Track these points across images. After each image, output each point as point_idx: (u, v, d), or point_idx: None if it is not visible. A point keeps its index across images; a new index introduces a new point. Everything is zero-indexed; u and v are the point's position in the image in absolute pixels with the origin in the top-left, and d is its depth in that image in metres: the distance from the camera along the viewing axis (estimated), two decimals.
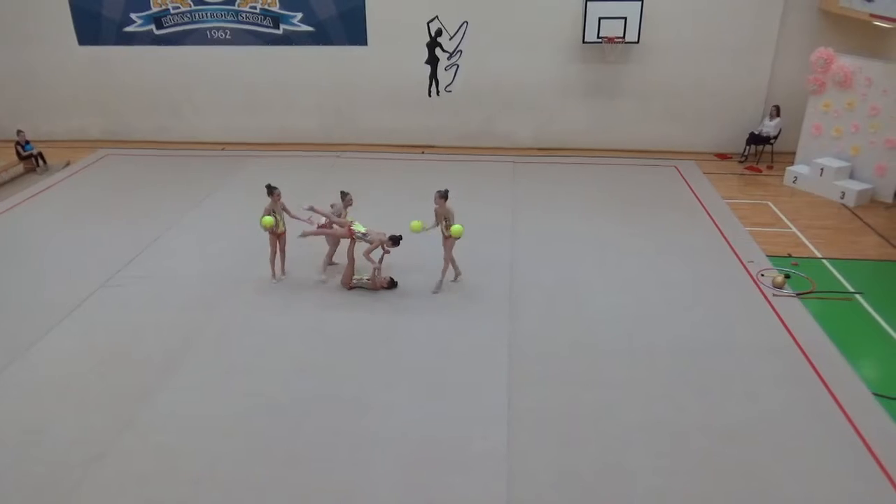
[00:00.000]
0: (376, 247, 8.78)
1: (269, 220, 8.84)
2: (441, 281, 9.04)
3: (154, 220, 11.17)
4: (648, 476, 6.00)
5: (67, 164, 14.11)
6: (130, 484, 5.96)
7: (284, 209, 9.08)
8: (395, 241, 8.82)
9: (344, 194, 9.33)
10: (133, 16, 14.60)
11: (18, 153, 13.56)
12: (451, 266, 9.09)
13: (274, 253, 9.16)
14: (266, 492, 5.87)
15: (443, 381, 7.25)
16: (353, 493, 5.87)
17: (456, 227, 8.70)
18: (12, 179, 13.27)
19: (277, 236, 9.09)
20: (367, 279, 9.01)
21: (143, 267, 9.74)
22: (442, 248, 8.96)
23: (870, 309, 8.57)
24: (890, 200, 11.83)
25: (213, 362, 7.60)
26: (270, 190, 8.97)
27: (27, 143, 13.63)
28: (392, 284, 9.05)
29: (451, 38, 14.23)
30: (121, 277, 9.43)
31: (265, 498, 5.81)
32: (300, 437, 6.48)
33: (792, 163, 13.05)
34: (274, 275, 9.26)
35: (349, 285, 9.07)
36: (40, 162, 13.74)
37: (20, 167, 13.60)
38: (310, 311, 8.63)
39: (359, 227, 8.85)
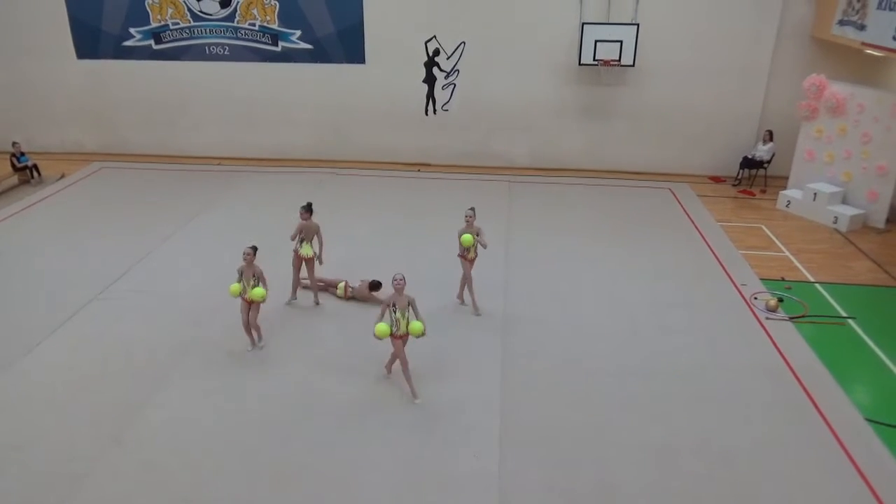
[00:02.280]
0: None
1: (235, 287, 7.65)
2: (474, 301, 8.89)
3: (148, 234, 11.13)
4: (640, 497, 5.95)
5: (62, 176, 14.08)
6: (116, 501, 5.87)
7: (255, 275, 7.65)
8: (375, 286, 9.03)
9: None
10: (132, 30, 14.68)
11: (13, 165, 13.52)
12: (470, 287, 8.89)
13: (245, 322, 7.84)
14: None
15: (434, 398, 7.19)
16: None
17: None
18: (6, 191, 13.21)
19: (249, 303, 7.75)
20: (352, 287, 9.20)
21: (136, 281, 9.69)
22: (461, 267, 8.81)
23: (862, 334, 8.59)
24: (882, 226, 11.91)
25: (202, 379, 7.52)
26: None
27: (22, 154, 13.60)
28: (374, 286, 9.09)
29: (448, 58, 14.35)
30: (112, 291, 9.37)
31: None
32: (289, 456, 6.41)
33: (785, 187, 13.15)
34: (253, 342, 8.01)
35: (347, 296, 9.19)
36: (35, 174, 13.70)
37: (14, 179, 13.57)
38: (300, 329, 8.59)
39: (339, 292, 9.17)
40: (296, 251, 8.81)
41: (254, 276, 7.65)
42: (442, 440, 6.62)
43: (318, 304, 9.12)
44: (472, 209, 8.64)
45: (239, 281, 7.69)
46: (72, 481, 6.05)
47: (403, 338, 7.00)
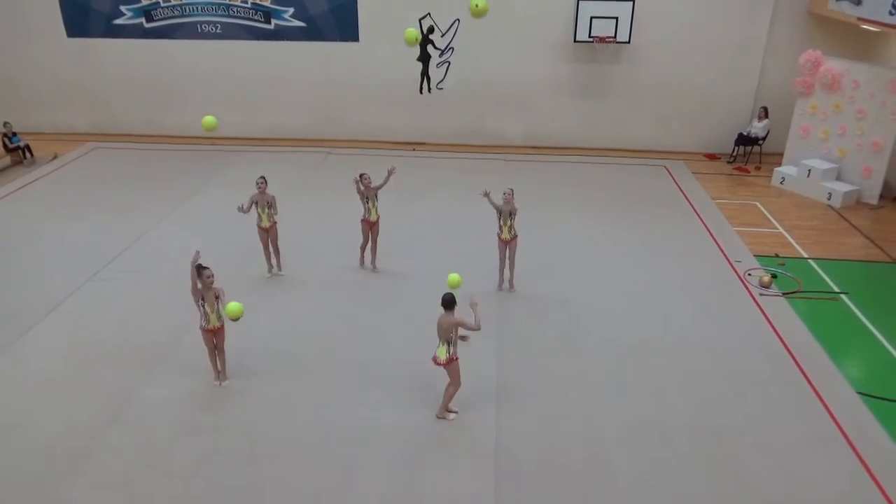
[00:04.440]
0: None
1: (235, 306, 6.26)
2: (508, 277, 8.90)
3: (142, 215, 11.10)
4: (634, 473, 6.03)
5: (55, 156, 13.99)
6: (116, 479, 5.93)
7: (218, 297, 6.78)
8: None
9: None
10: (123, 8, 14.49)
11: (5, 145, 13.43)
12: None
13: (211, 353, 7.05)
14: (252, 488, 5.86)
15: (430, 377, 7.21)
16: (342, 490, 5.86)
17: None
18: None
19: (214, 332, 6.95)
20: None
21: (131, 261, 9.68)
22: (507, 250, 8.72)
23: (855, 309, 8.66)
24: (875, 202, 11.95)
25: (199, 357, 7.53)
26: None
27: (14, 135, 13.51)
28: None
29: (443, 36, 14.23)
30: (108, 271, 9.37)
31: (251, 494, 5.80)
32: (287, 434, 6.46)
33: (779, 164, 13.16)
34: (217, 376, 7.16)
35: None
36: (27, 154, 13.61)
37: (7, 159, 13.48)
38: (298, 308, 8.61)
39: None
40: (258, 225, 8.99)
41: (217, 297, 6.76)
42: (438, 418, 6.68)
43: (273, 271, 9.27)
44: (511, 189, 8.49)
45: (201, 303, 6.76)
46: (71, 459, 6.11)
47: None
